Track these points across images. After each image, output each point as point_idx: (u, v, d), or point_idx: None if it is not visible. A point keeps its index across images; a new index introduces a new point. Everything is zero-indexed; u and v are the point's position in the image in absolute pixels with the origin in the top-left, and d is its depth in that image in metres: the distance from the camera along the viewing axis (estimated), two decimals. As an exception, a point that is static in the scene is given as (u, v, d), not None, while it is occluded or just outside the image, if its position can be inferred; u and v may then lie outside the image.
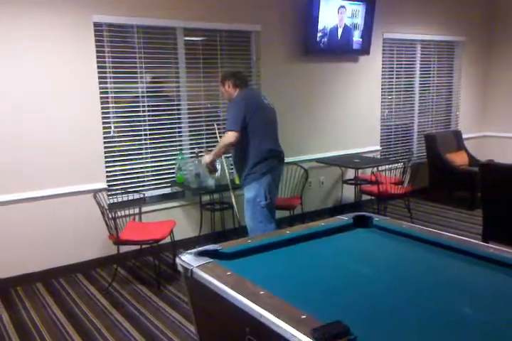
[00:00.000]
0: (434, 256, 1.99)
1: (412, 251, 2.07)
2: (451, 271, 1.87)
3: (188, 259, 1.90)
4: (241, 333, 1.61)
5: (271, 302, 1.49)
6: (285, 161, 3.70)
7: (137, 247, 3.98)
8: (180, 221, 4.20)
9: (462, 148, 6.20)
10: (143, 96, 4.13)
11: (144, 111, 4.14)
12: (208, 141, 4.50)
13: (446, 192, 5.95)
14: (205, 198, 4.45)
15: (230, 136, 3.34)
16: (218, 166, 3.78)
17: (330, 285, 1.72)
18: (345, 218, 2.40)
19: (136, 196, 4.05)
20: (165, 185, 4.35)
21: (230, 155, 3.75)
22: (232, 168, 4.29)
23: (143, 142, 4.18)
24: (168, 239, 3.70)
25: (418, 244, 2.11)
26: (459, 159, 5.91)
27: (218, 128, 4.12)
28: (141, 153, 4.18)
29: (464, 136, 6.36)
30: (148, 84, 4.18)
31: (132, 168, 4.14)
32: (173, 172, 4.34)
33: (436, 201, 5.78)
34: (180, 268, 1.92)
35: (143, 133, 4.17)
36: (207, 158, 3.54)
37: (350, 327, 1.24)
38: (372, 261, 1.99)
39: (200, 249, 2.01)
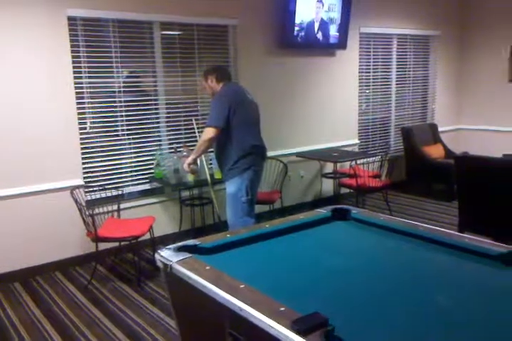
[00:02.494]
0: (410, 247, 2.02)
1: (389, 242, 2.10)
2: (428, 262, 1.90)
3: (167, 255, 1.90)
4: (221, 327, 1.62)
5: (250, 295, 1.50)
6: (266, 156, 3.71)
7: (116, 244, 3.94)
8: (159, 217, 4.18)
9: (438, 140, 6.30)
10: (119, 92, 4.08)
11: (120, 106, 4.09)
12: (186, 136, 4.47)
13: (424, 185, 6.04)
14: (185, 194, 4.43)
15: (210, 132, 3.33)
16: (198, 162, 3.77)
17: (309, 278, 1.74)
18: (323, 211, 2.42)
19: (115, 192, 4.01)
20: (144, 181, 4.32)
21: (211, 150, 3.74)
22: (211, 163, 4.28)
23: (120, 138, 4.13)
24: (147, 236, 3.68)
25: (395, 235, 2.14)
26: (435, 152, 6.00)
27: (197, 124, 4.11)
28: (118, 149, 4.13)
29: (440, 129, 6.46)
30: (125, 79, 4.13)
31: (110, 164, 4.09)
32: (151, 168, 4.31)
33: (414, 193, 5.86)
34: (159, 264, 1.92)
35: (120, 128, 4.12)
36: (189, 159, 3.52)
37: (328, 318, 1.26)
38: (350, 253, 2.01)
39: (179, 244, 2.01)
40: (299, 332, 1.21)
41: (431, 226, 2.18)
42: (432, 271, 1.82)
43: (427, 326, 1.38)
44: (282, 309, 1.38)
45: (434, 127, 6.39)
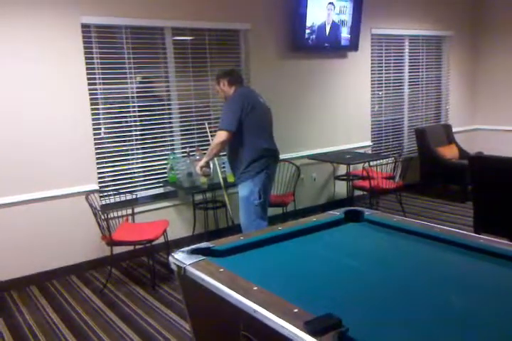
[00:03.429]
0: (425, 248, 2.01)
1: (403, 243, 2.09)
2: (443, 263, 1.89)
3: (180, 257, 1.91)
4: (235, 329, 1.62)
5: (264, 297, 1.50)
6: (279, 159, 3.72)
7: (131, 248, 3.97)
8: (173, 221, 4.20)
9: (452, 141, 6.24)
10: (133, 97, 4.12)
11: (134, 111, 4.13)
12: (199, 140, 4.50)
13: (438, 186, 5.99)
14: (198, 197, 4.45)
15: (222, 136, 3.35)
16: (211, 165, 3.79)
17: (322, 280, 1.73)
18: (336, 213, 2.41)
19: (129, 197, 4.04)
20: (157, 185, 4.35)
21: (223, 153, 3.76)
22: (224, 167, 4.29)
23: (134, 142, 4.17)
24: (161, 239, 3.70)
25: (409, 237, 2.12)
26: (449, 152, 5.95)
27: (210, 127, 4.13)
28: (132, 154, 4.17)
29: (454, 129, 6.40)
30: (138, 85, 4.17)
31: (124, 169, 4.13)
32: (165, 172, 4.34)
33: (428, 195, 5.81)
34: (173, 267, 1.93)
35: (134, 133, 4.16)
36: (201, 162, 3.54)
37: (342, 319, 1.25)
38: (363, 255, 2.00)
39: (192, 247, 2.02)
40: (312, 333, 1.21)
41: (446, 228, 2.16)
42: (448, 272, 1.80)
43: (441, 328, 1.37)
44: (295, 310, 1.38)
45: (448, 128, 6.34)
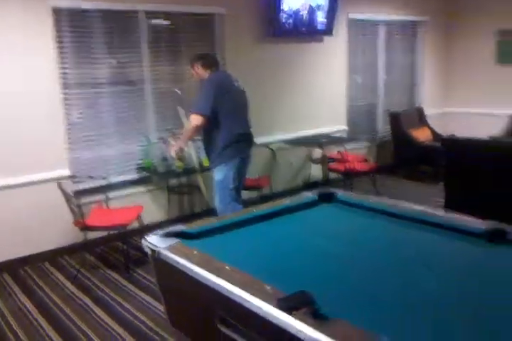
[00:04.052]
0: (396, 227, 2.04)
1: (375, 223, 2.11)
2: (413, 241, 1.92)
3: (154, 240, 1.89)
4: (210, 309, 1.63)
5: (238, 277, 1.50)
6: (254, 142, 3.70)
7: (105, 234, 3.93)
8: (148, 205, 4.16)
9: (425, 124, 6.32)
10: (106, 82, 4.03)
11: (107, 96, 4.04)
12: (174, 124, 4.43)
13: (411, 168, 6.06)
14: (173, 182, 4.41)
15: (197, 120, 3.31)
16: (185, 149, 3.75)
17: (295, 260, 1.75)
18: (310, 195, 2.43)
19: (103, 182, 3.98)
20: (132, 170, 4.29)
21: (198, 137, 3.72)
22: (199, 151, 4.26)
23: (107, 127, 4.09)
24: (136, 224, 3.67)
25: (381, 216, 2.15)
26: (422, 135, 6.03)
27: (184, 112, 4.07)
28: (106, 139, 4.09)
29: (427, 112, 6.48)
30: (112, 69, 4.07)
31: (98, 154, 4.06)
32: (139, 157, 4.28)
33: (401, 176, 5.88)
34: (147, 250, 1.91)
35: (107, 118, 4.07)
36: (176, 146, 3.50)
37: (314, 296, 1.26)
38: (337, 235, 2.02)
39: (166, 230, 2.00)
40: (285, 310, 1.22)
41: (416, 206, 2.20)
42: (418, 249, 1.83)
43: (411, 304, 1.40)
44: (269, 289, 1.39)
45: (420, 111, 6.41)
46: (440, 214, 2.10)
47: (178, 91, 4.04)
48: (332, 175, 5.38)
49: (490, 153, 3.53)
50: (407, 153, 5.92)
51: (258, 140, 3.91)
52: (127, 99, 4.17)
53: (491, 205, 3.27)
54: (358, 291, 1.48)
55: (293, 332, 1.19)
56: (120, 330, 2.73)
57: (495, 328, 1.27)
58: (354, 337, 1.15)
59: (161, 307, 2.84)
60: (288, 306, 1.22)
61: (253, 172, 4.64)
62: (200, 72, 3.51)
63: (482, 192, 3.52)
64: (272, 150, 4.67)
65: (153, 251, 1.86)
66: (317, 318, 1.19)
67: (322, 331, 1.16)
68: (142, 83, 4.25)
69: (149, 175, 4.33)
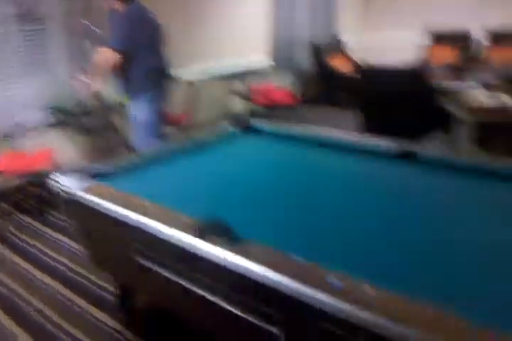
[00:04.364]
0: (315, 153, 2.05)
1: (295, 150, 2.11)
2: (332, 165, 1.94)
3: (68, 182, 1.77)
4: (131, 245, 1.57)
5: (156, 211, 1.45)
6: (173, 76, 3.55)
7: (19, 181, 3.70)
8: (62, 148, 3.93)
9: (344, 53, 6.34)
10: (11, 18, 3.58)
11: (12, 33, 3.62)
12: (86, 61, 4.09)
13: (332, 98, 6.12)
14: (88, 122, 4.15)
15: (112, 55, 3.10)
16: (100, 87, 3.51)
17: (214, 191, 1.71)
18: (229, 127, 2.36)
19: (11, 125, 3.67)
20: (42, 111, 3.96)
21: (115, 73, 3.48)
22: (115, 87, 4.00)
23: (15, 67, 3.70)
24: (49, 168, 3.46)
25: (301, 144, 2.15)
26: (342, 65, 6.05)
27: (95, 47, 3.76)
28: (13, 80, 3.71)
29: (347, 41, 6.48)
30: (16, 5, 3.61)
31: (4, 96, 3.70)
32: (51, 98, 3.96)
33: (323, 107, 5.93)
34: (59, 192, 1.79)
35: (14, 57, 3.67)
36: (89, 84, 3.29)
37: (231, 226, 1.24)
38: (256, 165, 2.00)
39: (81, 170, 1.88)
40: (201, 237, 1.20)
41: (337, 133, 2.21)
42: (335, 171, 1.86)
43: (326, 228, 1.43)
44: (186, 219, 1.35)
45: (340, 41, 6.41)
46: (356, 138, 2.14)
47: (90, 25, 3.70)
48: (255, 109, 5.32)
49: (401, 78, 3.62)
50: (330, 84, 5.95)
51: (177, 73, 3.72)
52: (35, 37, 3.77)
53: (402, 129, 3.39)
54: (277, 216, 1.48)
55: (211, 258, 1.19)
56: (44, 276, 2.63)
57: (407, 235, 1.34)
58: (269, 256, 1.16)
59: (78, 246, 2.78)
60: (204, 234, 1.19)
61: (173, 107, 4.48)
62: (114, 4, 3.22)
63: (394, 117, 3.63)
64: (192, 83, 4.49)
65: (67, 193, 1.74)
66: (234, 243, 1.19)
67: (240, 253, 1.17)
68: (51, 19, 3.83)
69: (62, 116, 4.04)
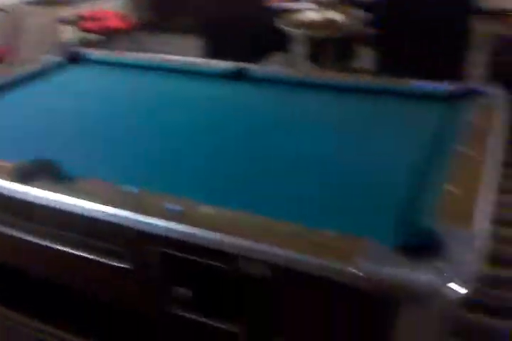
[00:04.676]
0: (147, 79, 1.98)
1: (128, 78, 2.01)
2: (161, 88, 1.90)
3: None
4: None
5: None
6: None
7: None
8: None
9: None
10: None
11: None
12: None
13: (172, 21, 5.83)
14: None
15: None
16: None
17: (39, 128, 1.57)
18: (55, 57, 2.14)
19: None
20: None
21: None
22: None
23: None
24: None
25: (136, 71, 2.04)
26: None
27: None
28: None
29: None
30: None
31: None
32: None
33: (164, 31, 5.62)
34: None
35: None
36: None
37: (55, 163, 1.17)
38: (86, 95, 1.86)
39: None
40: (21, 180, 1.11)
41: (176, 57, 2.16)
42: (165, 96, 1.83)
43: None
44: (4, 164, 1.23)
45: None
46: (192, 61, 2.10)
47: None
48: (88, 37, 4.87)
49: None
50: (167, 5, 5.61)
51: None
52: None
53: (242, 51, 3.41)
54: (111, 148, 1.42)
55: (40, 202, 1.12)
56: None
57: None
58: (100, 190, 1.14)
59: None
60: (23, 176, 1.10)
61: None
62: None
63: (236, 40, 3.62)
64: (8, 12, 3.92)
65: None
66: (61, 182, 1.12)
67: (68, 192, 1.11)
68: None
69: None
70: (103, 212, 1.06)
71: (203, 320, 1.15)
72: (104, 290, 1.32)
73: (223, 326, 1.13)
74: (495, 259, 1.74)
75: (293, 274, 0.93)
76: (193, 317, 1.15)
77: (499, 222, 1.06)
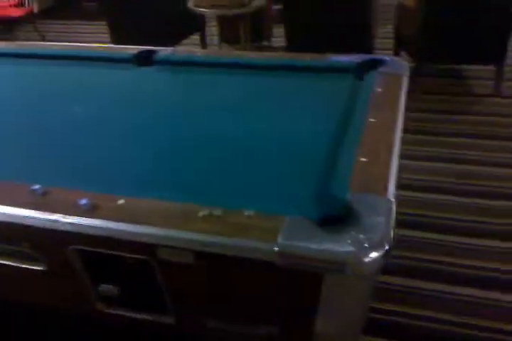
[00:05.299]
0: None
1: (29, 69, 1.87)
2: (58, 76, 1.80)
3: None
4: None
5: None
6: None
7: None
8: None
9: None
10: None
11: None
12: None
13: (74, 7, 5.50)
14: None
15: None
16: None
17: None
18: None
19: None
20: None
21: None
22: None
23: None
24: None
25: (31, 61, 1.90)
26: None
27: None
28: None
29: None
30: None
31: None
32: None
33: (67, 18, 5.29)
34: None
35: None
36: None
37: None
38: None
39: None
40: None
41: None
42: (64, 84, 1.73)
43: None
44: None
45: None
46: (94, 48, 1.99)
47: None
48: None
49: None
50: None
51: None
52: None
53: (156, 35, 3.29)
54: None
55: None
56: None
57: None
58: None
59: None
60: None
61: None
62: None
63: (146, 25, 3.48)
64: None
65: None
66: None
67: None
68: None
69: None
70: (3, 213, 0.99)
71: (137, 315, 1.12)
72: (28, 296, 1.27)
73: (159, 319, 1.11)
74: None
75: (215, 257, 0.92)
76: (125, 313, 1.12)
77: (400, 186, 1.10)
